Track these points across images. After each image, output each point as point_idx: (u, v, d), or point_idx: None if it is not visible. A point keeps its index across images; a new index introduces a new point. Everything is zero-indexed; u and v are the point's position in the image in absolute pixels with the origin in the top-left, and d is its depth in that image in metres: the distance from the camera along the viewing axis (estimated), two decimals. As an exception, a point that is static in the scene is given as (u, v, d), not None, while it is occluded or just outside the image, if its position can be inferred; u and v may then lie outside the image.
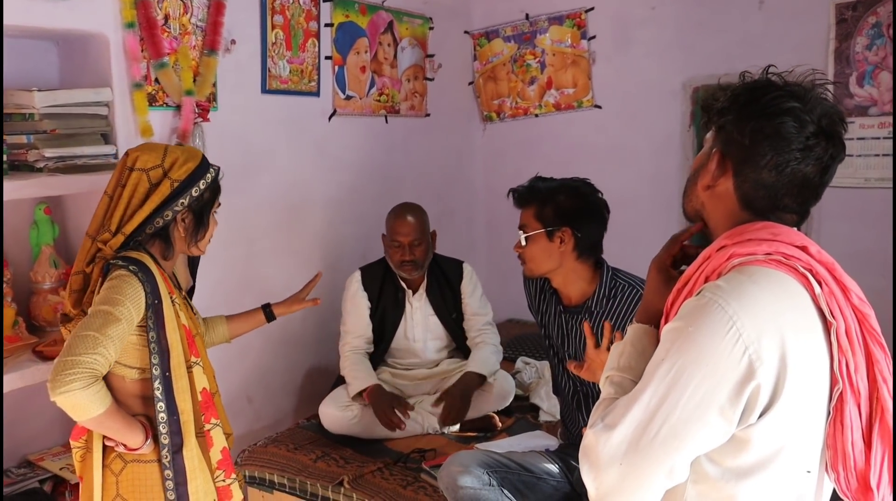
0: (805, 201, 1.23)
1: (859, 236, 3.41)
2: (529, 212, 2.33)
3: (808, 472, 1.18)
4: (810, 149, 1.18)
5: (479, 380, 3.09)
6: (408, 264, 3.13)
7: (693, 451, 1.12)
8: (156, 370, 1.75)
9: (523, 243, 2.31)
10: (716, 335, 1.09)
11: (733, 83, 1.29)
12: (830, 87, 1.24)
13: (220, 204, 2.00)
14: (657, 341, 1.26)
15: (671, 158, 4.00)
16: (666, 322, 1.21)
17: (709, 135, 1.31)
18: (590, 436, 1.17)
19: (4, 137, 2.37)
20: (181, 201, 1.83)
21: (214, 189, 1.95)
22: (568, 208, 2.29)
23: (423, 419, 3.06)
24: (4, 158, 2.37)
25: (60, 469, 2.57)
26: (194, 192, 1.85)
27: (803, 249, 1.17)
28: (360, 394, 3.02)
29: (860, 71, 3.45)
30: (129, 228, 1.80)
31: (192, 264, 2.18)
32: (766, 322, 1.10)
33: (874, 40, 3.40)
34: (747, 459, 1.13)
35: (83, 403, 1.59)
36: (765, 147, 1.18)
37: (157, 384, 1.75)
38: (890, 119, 3.41)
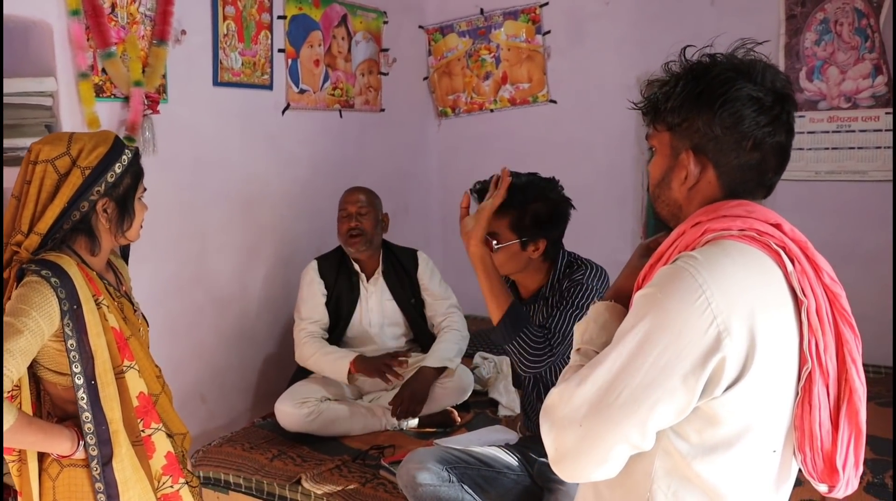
0: (781, 168, 1.24)
1: (809, 228, 3.41)
2: (502, 221, 2.16)
3: (774, 451, 1.18)
4: (777, 117, 1.19)
5: (435, 374, 3.07)
6: (355, 232, 3.11)
7: (654, 419, 1.10)
8: (78, 379, 1.64)
9: (493, 249, 2.15)
10: (684, 303, 1.08)
11: (659, 77, 1.27)
12: (764, 48, 1.23)
13: (145, 189, 1.85)
14: (620, 314, 1.26)
15: (626, 152, 4.03)
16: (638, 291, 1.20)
17: (655, 136, 1.28)
18: (553, 395, 1.17)
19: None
20: (96, 189, 1.70)
21: (135, 173, 1.80)
22: (544, 216, 2.19)
23: (381, 415, 3.03)
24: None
25: (4, 474, 2.47)
26: (110, 178, 1.71)
27: (777, 226, 1.17)
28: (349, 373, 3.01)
29: (809, 66, 3.51)
30: (43, 226, 1.66)
31: (124, 253, 2.02)
32: (737, 295, 1.09)
33: (822, 36, 3.47)
34: (714, 435, 1.13)
35: None
36: (739, 132, 1.17)
37: (80, 393, 1.64)
38: (838, 113, 3.49)
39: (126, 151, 1.77)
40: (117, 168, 1.73)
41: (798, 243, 1.17)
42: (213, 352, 3.29)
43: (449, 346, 3.15)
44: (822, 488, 1.18)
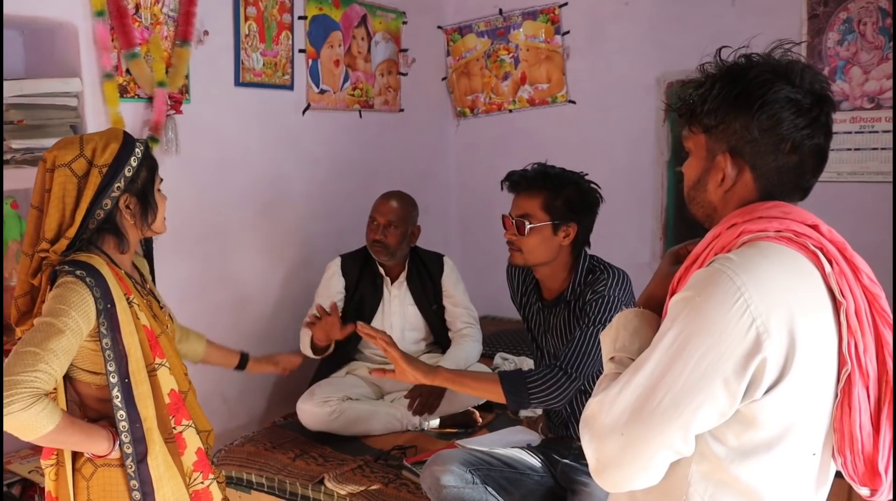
0: (819, 170, 1.22)
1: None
2: (535, 201, 2.23)
3: (813, 454, 1.16)
4: (815, 119, 1.17)
5: None
6: (378, 244, 3.11)
7: (696, 424, 1.09)
8: (112, 377, 1.65)
9: (526, 232, 2.22)
10: (723, 305, 1.07)
11: (694, 78, 1.25)
12: (796, 48, 1.22)
13: (161, 179, 1.85)
14: (651, 321, 1.26)
15: (645, 152, 4.01)
16: (673, 296, 1.19)
17: (690, 137, 1.27)
18: (593, 405, 1.15)
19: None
20: (116, 185, 1.70)
21: (150, 166, 1.80)
22: (577, 201, 2.24)
23: (403, 415, 3.02)
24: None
25: (29, 472, 2.49)
26: (127, 172, 1.72)
27: (814, 227, 1.16)
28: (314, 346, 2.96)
29: (832, 66, 3.48)
30: (72, 231, 1.67)
31: (147, 251, 2.02)
32: (775, 297, 1.08)
33: (845, 36, 3.44)
34: (753, 438, 1.12)
35: (28, 423, 1.48)
36: (777, 135, 1.16)
37: (115, 391, 1.65)
38: (861, 114, 3.45)
39: (137, 144, 1.78)
40: (133, 162, 1.74)
41: (836, 245, 1.16)
42: (233, 352, 3.30)
43: (470, 352, 3.15)
44: (864, 491, 1.16)
